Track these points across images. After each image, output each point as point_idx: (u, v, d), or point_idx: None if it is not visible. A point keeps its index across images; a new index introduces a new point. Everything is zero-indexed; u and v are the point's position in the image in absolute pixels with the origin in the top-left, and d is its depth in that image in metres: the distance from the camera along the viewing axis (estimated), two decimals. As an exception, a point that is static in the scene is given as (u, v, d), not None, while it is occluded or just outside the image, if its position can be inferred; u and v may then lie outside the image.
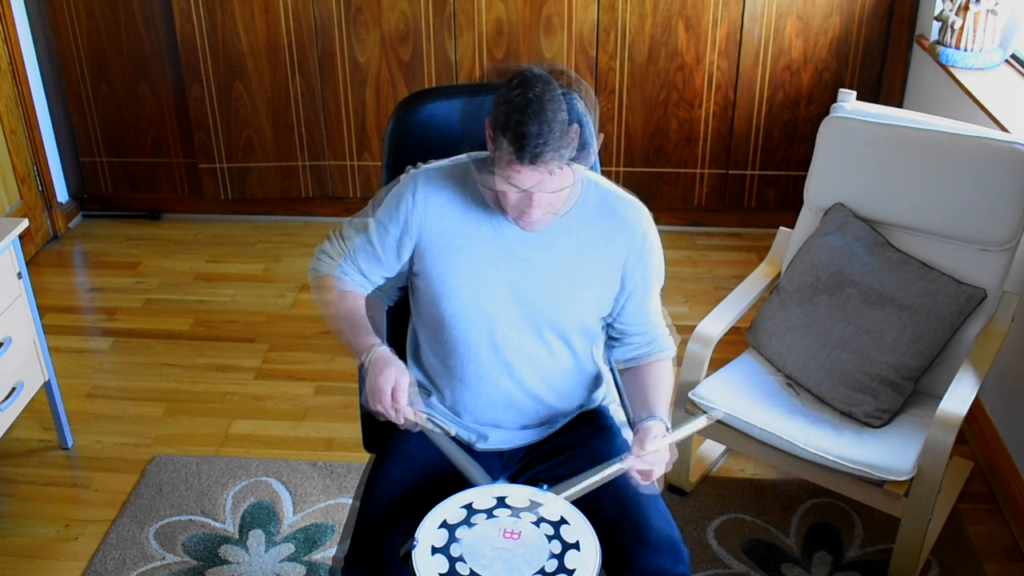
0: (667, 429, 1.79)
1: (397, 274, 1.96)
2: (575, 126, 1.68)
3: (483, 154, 1.86)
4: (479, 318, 1.87)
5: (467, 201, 1.86)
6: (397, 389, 1.74)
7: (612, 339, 2.00)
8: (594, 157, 1.79)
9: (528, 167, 1.65)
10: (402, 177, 1.92)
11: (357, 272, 1.95)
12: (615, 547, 1.77)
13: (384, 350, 1.82)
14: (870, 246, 2.58)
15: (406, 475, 1.88)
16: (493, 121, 1.70)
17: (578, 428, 2.01)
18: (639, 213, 1.89)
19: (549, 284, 1.86)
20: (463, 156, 1.91)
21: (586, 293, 1.88)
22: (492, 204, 1.80)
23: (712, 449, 2.87)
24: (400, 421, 1.77)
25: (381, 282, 1.98)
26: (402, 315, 2.14)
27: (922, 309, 2.47)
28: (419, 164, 1.92)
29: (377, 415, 1.78)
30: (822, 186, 2.71)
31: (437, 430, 1.83)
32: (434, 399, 2.01)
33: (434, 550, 1.64)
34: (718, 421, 2.48)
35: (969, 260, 2.50)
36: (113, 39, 4.02)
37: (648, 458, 1.73)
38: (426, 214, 1.86)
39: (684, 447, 2.63)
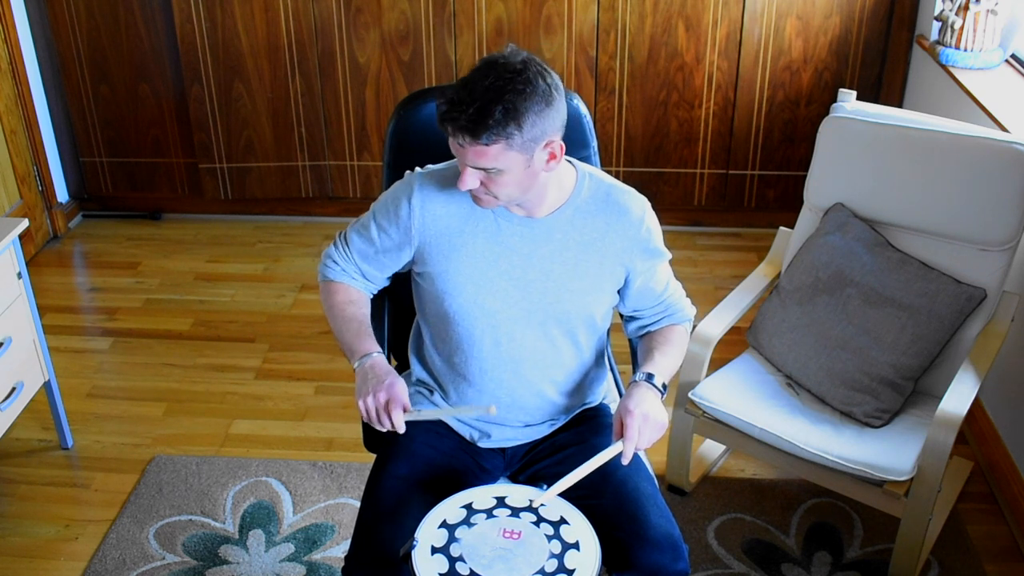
0: (660, 391, 1.84)
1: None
2: (504, 113, 1.66)
3: None
4: (482, 315, 1.88)
5: (464, 201, 1.87)
6: (392, 402, 1.79)
7: (627, 318, 2.04)
8: (553, 152, 1.78)
9: (451, 138, 1.72)
10: (400, 181, 1.94)
11: (360, 275, 1.99)
12: (615, 544, 1.78)
13: (381, 359, 1.86)
14: (870, 246, 2.58)
15: (408, 474, 1.88)
16: None
17: (578, 426, 2.01)
18: (635, 200, 1.91)
19: (551, 277, 1.87)
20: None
21: (588, 284, 1.89)
22: None
23: (712, 449, 2.87)
24: (386, 428, 1.81)
25: (385, 283, 2.01)
26: (404, 313, 2.14)
27: (922, 309, 2.47)
28: (416, 168, 1.93)
29: (364, 415, 1.81)
30: (822, 186, 2.71)
31: (423, 413, 1.85)
32: (436, 396, 2.01)
33: (434, 550, 1.64)
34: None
35: (969, 260, 2.50)
36: (113, 39, 4.02)
37: (637, 441, 1.77)
38: (424, 217, 1.87)
39: (684, 447, 2.63)
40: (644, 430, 1.77)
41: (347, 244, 1.98)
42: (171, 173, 4.28)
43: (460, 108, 1.67)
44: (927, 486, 2.25)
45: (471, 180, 1.75)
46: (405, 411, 1.80)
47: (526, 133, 1.69)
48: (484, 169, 1.72)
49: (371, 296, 2.02)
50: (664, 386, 1.86)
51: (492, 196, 1.78)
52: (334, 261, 2.00)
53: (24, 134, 3.96)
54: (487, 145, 1.68)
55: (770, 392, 2.56)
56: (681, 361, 2.01)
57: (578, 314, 1.90)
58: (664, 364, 1.91)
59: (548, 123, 1.71)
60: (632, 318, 2.03)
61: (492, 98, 1.66)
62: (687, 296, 2.08)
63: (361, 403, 1.80)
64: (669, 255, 1.99)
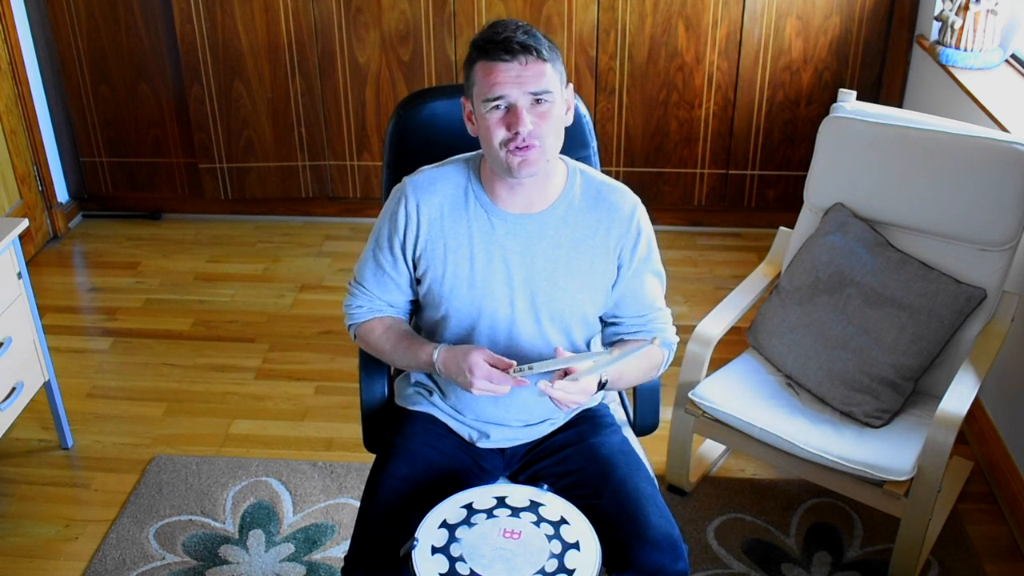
0: (601, 383, 1.85)
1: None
2: (544, 38, 1.76)
3: (474, 153, 1.91)
4: (478, 316, 1.88)
5: (457, 201, 1.88)
6: (483, 373, 1.76)
7: (607, 323, 2.01)
8: (569, 101, 1.85)
9: (500, 65, 1.72)
10: (389, 198, 1.94)
11: (386, 305, 1.98)
12: (614, 544, 1.78)
13: (443, 348, 1.85)
14: (870, 246, 2.58)
15: (408, 474, 1.88)
16: (465, 69, 1.80)
17: (577, 426, 2.01)
18: (626, 198, 1.91)
19: (544, 274, 1.87)
20: (450, 159, 1.93)
21: (581, 282, 1.89)
22: (494, 159, 1.80)
23: (712, 449, 2.87)
24: (507, 390, 1.79)
25: (409, 307, 2.01)
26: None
27: (922, 309, 2.47)
28: (403, 179, 1.93)
29: (492, 392, 1.79)
30: (822, 186, 2.71)
31: (528, 372, 1.80)
32: (436, 397, 2.01)
33: (434, 550, 1.64)
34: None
35: (969, 260, 2.50)
36: (113, 39, 4.02)
37: (566, 386, 1.74)
38: (419, 222, 1.88)
39: (684, 447, 2.63)
40: (575, 389, 1.76)
41: (362, 284, 1.98)
42: (171, 173, 4.28)
43: (509, 32, 1.72)
44: (927, 486, 2.25)
45: (528, 118, 1.74)
46: (508, 369, 1.78)
47: (561, 62, 1.78)
48: (538, 95, 1.73)
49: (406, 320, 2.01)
50: (606, 383, 1.86)
51: (538, 141, 1.76)
52: (358, 305, 1.99)
53: (24, 134, 3.96)
54: (545, 61, 1.74)
55: (770, 392, 2.56)
56: (640, 381, 1.98)
57: (572, 313, 1.90)
58: (618, 367, 1.85)
59: (562, 62, 1.80)
60: (612, 323, 2.00)
61: (527, 27, 1.75)
62: (674, 325, 2.03)
63: (478, 394, 1.79)
64: (663, 274, 1.98)
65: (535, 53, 1.72)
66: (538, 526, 1.69)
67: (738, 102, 3.93)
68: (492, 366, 1.78)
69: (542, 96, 1.74)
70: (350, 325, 2.01)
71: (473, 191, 1.87)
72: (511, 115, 1.74)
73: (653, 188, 4.09)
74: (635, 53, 3.87)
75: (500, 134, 1.75)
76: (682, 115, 3.96)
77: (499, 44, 1.72)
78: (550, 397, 1.75)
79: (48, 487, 2.81)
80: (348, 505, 2.71)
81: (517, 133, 1.74)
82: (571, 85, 1.86)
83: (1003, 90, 3.11)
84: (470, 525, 1.69)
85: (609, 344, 2.01)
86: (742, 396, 2.52)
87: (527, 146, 1.75)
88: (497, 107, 1.74)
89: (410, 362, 1.92)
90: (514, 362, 1.79)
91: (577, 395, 1.77)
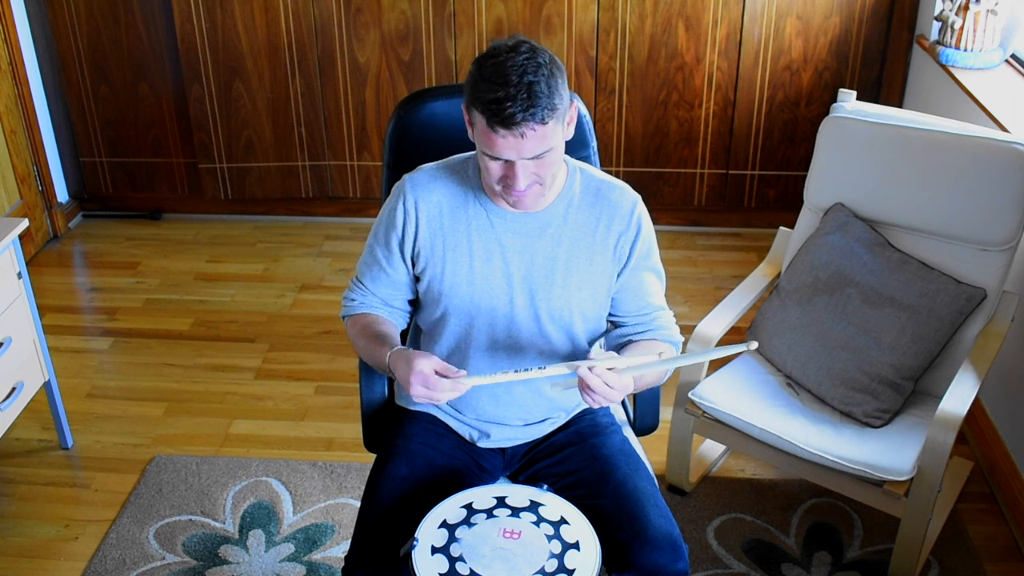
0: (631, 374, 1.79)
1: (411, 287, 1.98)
2: (547, 85, 1.67)
3: (474, 152, 1.90)
4: (478, 313, 1.88)
5: (457, 199, 1.87)
6: (427, 378, 1.72)
7: (611, 324, 2.01)
8: (571, 117, 1.79)
9: (502, 133, 1.67)
10: (389, 196, 1.94)
11: (381, 303, 1.98)
12: (615, 544, 1.78)
13: (396, 351, 1.82)
14: (870, 246, 2.58)
15: (408, 474, 1.88)
16: (465, 99, 1.74)
17: (578, 426, 2.01)
18: (627, 195, 1.91)
19: (544, 272, 1.87)
20: (450, 158, 1.93)
21: (581, 280, 1.88)
22: (489, 188, 1.80)
23: (712, 449, 2.87)
24: (445, 400, 1.75)
25: (406, 306, 2.00)
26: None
27: (922, 309, 2.47)
28: (403, 177, 1.93)
29: (432, 401, 1.76)
30: (822, 186, 2.71)
31: (485, 381, 1.77)
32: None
33: (434, 550, 1.64)
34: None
35: (969, 260, 2.50)
36: (113, 39, 4.02)
37: (607, 378, 1.70)
38: (419, 219, 1.88)
39: (684, 447, 2.63)
40: (617, 383, 1.72)
41: (360, 280, 1.98)
42: (171, 173, 4.28)
43: (512, 100, 1.64)
44: (927, 486, 2.25)
45: (527, 176, 1.73)
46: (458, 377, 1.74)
47: (564, 99, 1.71)
48: (538, 156, 1.70)
49: (397, 323, 1.99)
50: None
51: (539, 184, 1.76)
52: (351, 299, 1.99)
53: (24, 134, 3.96)
54: (545, 123, 1.67)
55: (770, 392, 2.56)
56: (656, 382, 1.95)
57: (571, 311, 1.90)
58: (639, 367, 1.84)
59: (565, 87, 1.73)
60: (615, 324, 2.00)
61: (529, 78, 1.65)
62: (677, 324, 2.02)
63: (415, 398, 1.75)
64: (663, 273, 1.98)
65: (537, 120, 1.67)
66: (538, 526, 1.69)
67: (738, 102, 3.93)
68: (441, 375, 1.73)
69: (542, 155, 1.72)
70: (343, 316, 2.02)
71: (472, 189, 1.87)
72: (509, 168, 1.72)
73: (653, 188, 4.09)
74: (635, 53, 3.87)
75: (496, 180, 1.75)
76: (682, 115, 3.96)
77: (498, 114, 1.65)
78: (580, 385, 1.71)
79: (48, 487, 2.82)
80: (348, 505, 2.71)
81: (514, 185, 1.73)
82: (575, 98, 1.83)
83: (1003, 90, 3.11)
84: (470, 525, 1.69)
85: (617, 347, 2.00)
86: (742, 396, 2.52)
87: (523, 191, 1.75)
88: (495, 161, 1.73)
89: (375, 361, 1.90)
90: (463, 372, 1.75)
91: (617, 390, 1.72)
